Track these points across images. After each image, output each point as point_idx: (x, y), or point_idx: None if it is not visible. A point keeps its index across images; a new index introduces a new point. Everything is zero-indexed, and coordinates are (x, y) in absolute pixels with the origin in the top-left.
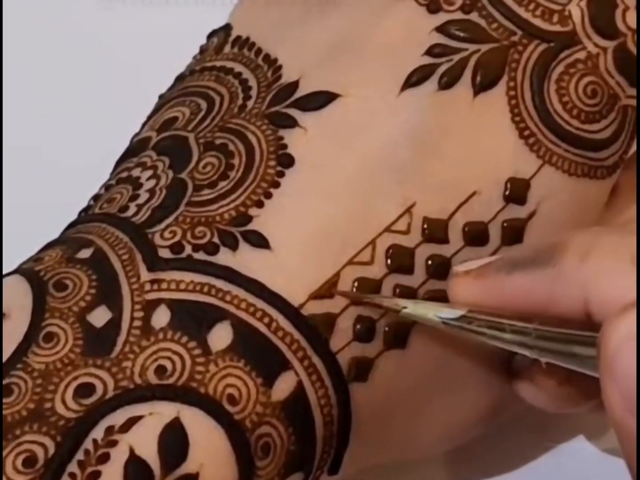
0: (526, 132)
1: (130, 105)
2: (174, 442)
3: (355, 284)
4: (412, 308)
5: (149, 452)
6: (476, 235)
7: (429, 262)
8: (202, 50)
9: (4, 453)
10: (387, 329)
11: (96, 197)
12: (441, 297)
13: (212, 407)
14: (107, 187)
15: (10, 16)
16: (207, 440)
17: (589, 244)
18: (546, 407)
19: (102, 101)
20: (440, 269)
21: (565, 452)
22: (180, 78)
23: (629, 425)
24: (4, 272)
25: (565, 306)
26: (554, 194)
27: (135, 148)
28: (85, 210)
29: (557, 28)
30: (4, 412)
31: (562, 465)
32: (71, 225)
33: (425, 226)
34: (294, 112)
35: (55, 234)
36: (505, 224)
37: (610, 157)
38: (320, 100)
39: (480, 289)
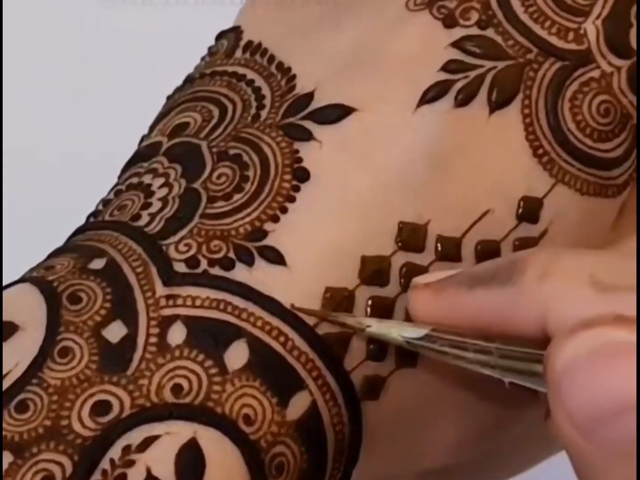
0: (540, 151)
1: (132, 105)
2: (191, 462)
3: (369, 302)
4: (376, 327)
5: (166, 473)
6: (488, 254)
7: None
8: (212, 52)
9: (22, 471)
10: (399, 347)
11: (105, 203)
12: None
13: (228, 427)
14: (116, 192)
15: (10, 16)
16: (223, 461)
17: (548, 263)
18: None
19: (103, 101)
20: None
21: None
22: (189, 80)
23: (576, 444)
24: (6, 272)
25: (524, 324)
26: (566, 213)
27: (145, 153)
28: (94, 215)
29: (572, 46)
30: (20, 428)
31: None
32: (79, 230)
33: (438, 244)
34: (309, 125)
35: (57, 235)
36: (516, 243)
37: (621, 176)
38: (336, 113)
39: (440, 304)
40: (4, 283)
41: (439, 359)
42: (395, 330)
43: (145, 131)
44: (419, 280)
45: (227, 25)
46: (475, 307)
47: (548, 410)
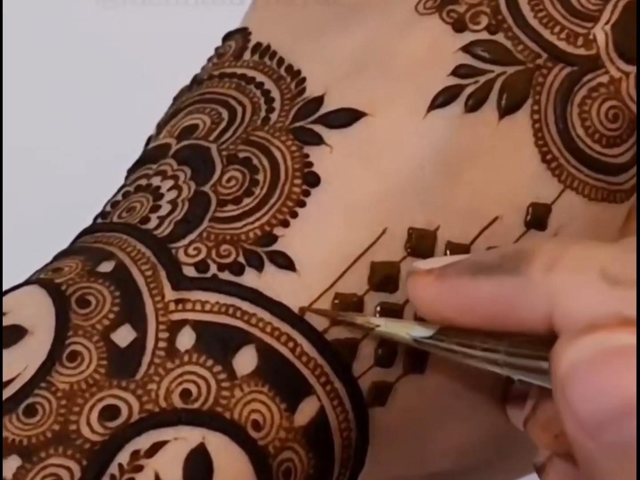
0: (549, 157)
1: (133, 105)
2: (199, 468)
3: (378, 308)
4: (385, 326)
5: (174, 478)
6: None
7: None
8: (220, 53)
9: (30, 476)
10: (407, 354)
11: (113, 204)
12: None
13: (236, 432)
14: (124, 193)
15: (10, 16)
16: (231, 467)
17: (556, 253)
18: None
19: (104, 101)
20: None
21: None
22: (197, 81)
23: (582, 443)
24: (9, 274)
25: (529, 317)
26: (574, 219)
27: (154, 154)
28: (102, 216)
29: (582, 51)
30: (29, 432)
31: None
32: (87, 231)
33: (447, 251)
34: (319, 129)
35: (60, 236)
36: None
37: (629, 181)
38: (346, 117)
39: (441, 291)
40: (7, 284)
41: (448, 357)
42: (403, 330)
43: (147, 132)
44: (420, 265)
45: (228, 24)
46: (478, 296)
47: (527, 417)
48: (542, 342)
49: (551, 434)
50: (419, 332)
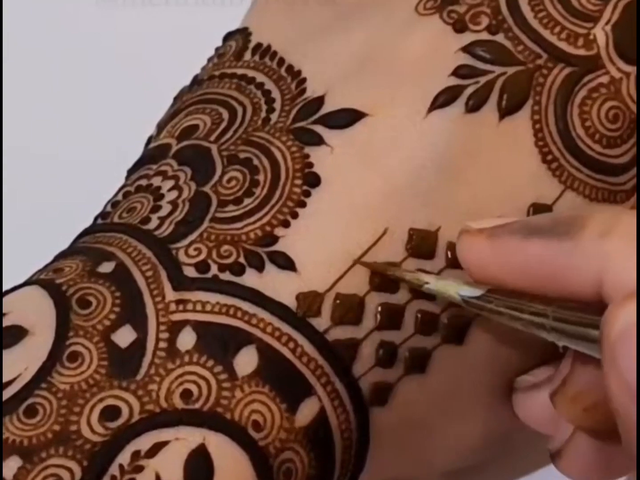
0: (549, 157)
1: (132, 105)
2: (200, 468)
3: (379, 309)
4: (434, 284)
5: (175, 479)
6: None
7: None
8: (220, 54)
9: (31, 476)
10: (407, 354)
11: (114, 204)
12: (463, 326)
13: (237, 433)
14: (125, 193)
15: (10, 16)
16: (231, 467)
17: (610, 222)
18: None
19: (102, 101)
20: None
21: None
22: (197, 82)
23: (630, 413)
24: (10, 274)
25: (579, 281)
26: None
27: (154, 154)
28: (102, 216)
29: (582, 52)
30: (29, 433)
31: None
32: (87, 232)
33: (449, 252)
34: (320, 129)
35: (61, 236)
36: None
37: (629, 181)
38: (347, 118)
39: (492, 250)
40: (7, 284)
41: (494, 319)
42: (452, 289)
43: (147, 132)
44: (472, 224)
45: (228, 24)
46: (528, 257)
47: (556, 390)
48: (590, 309)
49: (580, 406)
50: (468, 291)
